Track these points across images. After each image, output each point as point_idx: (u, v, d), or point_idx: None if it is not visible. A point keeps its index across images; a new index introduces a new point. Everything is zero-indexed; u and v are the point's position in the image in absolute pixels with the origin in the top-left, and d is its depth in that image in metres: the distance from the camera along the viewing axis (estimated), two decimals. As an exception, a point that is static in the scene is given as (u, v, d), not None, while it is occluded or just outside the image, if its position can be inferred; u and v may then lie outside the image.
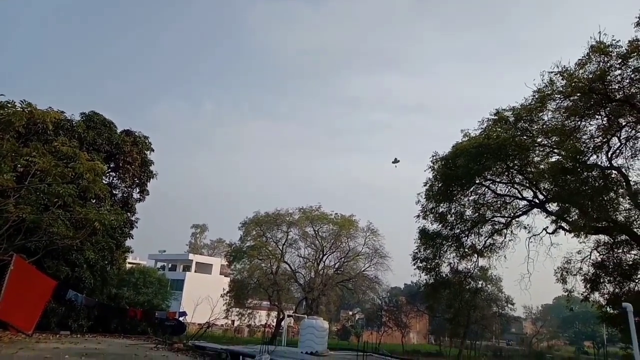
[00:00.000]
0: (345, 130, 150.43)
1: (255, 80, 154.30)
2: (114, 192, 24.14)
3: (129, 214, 24.21)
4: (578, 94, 15.82)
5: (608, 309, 19.34)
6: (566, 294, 20.37)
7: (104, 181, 20.89)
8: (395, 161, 26.33)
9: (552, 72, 16.37)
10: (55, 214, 17.46)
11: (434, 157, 22.03)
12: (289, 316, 31.93)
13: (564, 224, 19.74)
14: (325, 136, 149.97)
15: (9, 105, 14.47)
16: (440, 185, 21.53)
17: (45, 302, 16.68)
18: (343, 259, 37.29)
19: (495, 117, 19.32)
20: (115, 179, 24.47)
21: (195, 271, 62.01)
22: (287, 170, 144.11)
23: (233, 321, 44.32)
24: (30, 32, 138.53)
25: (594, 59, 15.34)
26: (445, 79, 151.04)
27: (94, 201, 20.90)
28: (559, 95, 16.60)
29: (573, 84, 15.67)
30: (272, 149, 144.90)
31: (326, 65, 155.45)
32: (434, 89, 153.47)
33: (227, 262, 44.41)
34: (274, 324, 38.98)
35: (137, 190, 25.32)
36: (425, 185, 22.25)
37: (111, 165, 23.77)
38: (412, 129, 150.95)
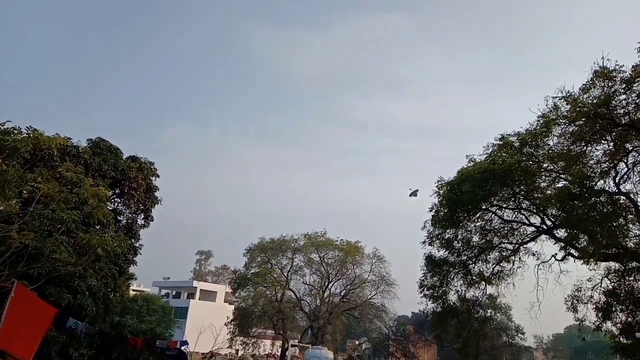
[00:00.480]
0: (351, 152, 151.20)
1: (261, 104, 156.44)
2: (119, 218, 24.07)
3: (132, 240, 24.06)
4: (583, 119, 15.78)
5: (621, 338, 18.77)
6: (577, 323, 19.91)
7: (108, 207, 20.84)
8: (414, 193, 24.01)
9: (556, 97, 16.43)
10: (59, 240, 17.36)
11: (439, 183, 21.94)
12: (293, 346, 31.32)
13: (573, 251, 19.40)
14: (331, 159, 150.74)
15: (15, 131, 14.58)
16: (446, 210, 21.35)
17: (45, 330, 16.36)
18: (349, 286, 36.87)
19: (501, 142, 19.29)
20: (120, 205, 24.45)
21: (199, 298, 61.35)
22: (292, 195, 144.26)
23: (237, 350, 43.52)
24: (35, 55, 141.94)
25: (598, 84, 15.37)
26: (450, 103, 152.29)
27: (97, 227, 20.81)
28: (563, 120, 16.57)
29: (578, 109, 15.66)
30: (278, 172, 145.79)
31: (331, 89, 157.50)
32: (438, 112, 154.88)
33: (231, 290, 43.98)
34: (279, 353, 38.22)
35: (142, 216, 25.23)
36: (431, 211, 22.10)
37: (116, 192, 23.79)
38: (417, 152, 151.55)
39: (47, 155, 18.29)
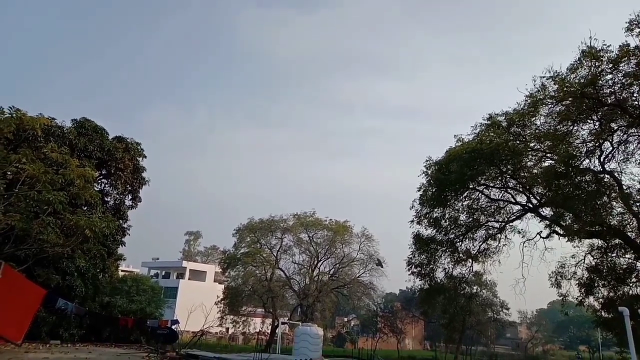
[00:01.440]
0: (338, 134, 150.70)
1: (247, 86, 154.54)
2: (106, 199, 23.91)
3: (121, 221, 23.96)
4: (570, 99, 15.89)
5: (603, 313, 19.33)
6: (561, 298, 20.41)
7: (95, 188, 20.66)
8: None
9: (544, 77, 16.51)
10: (45, 221, 17.20)
11: (428, 163, 22.10)
12: (283, 323, 31.64)
13: (557, 229, 19.77)
14: (318, 141, 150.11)
15: (-3, 111, 14.28)
16: (434, 190, 21.55)
17: (34, 311, 16.38)
18: (338, 265, 37.14)
19: (488, 122, 19.38)
20: (107, 186, 24.25)
21: (189, 278, 61.53)
22: (280, 176, 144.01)
23: (227, 329, 43.92)
24: (15, 36, 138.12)
25: (585, 64, 15.44)
26: (437, 83, 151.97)
27: (85, 208, 20.65)
28: (551, 100, 16.68)
29: (565, 88, 15.75)
30: (265, 155, 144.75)
31: (318, 71, 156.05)
32: (426, 93, 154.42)
33: (221, 269, 44.08)
34: (269, 331, 38.69)
35: (129, 197, 25.09)
36: (419, 191, 22.30)
37: (103, 172, 23.56)
38: (405, 133, 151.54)
39: (31, 135, 17.99)
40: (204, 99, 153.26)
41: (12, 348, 15.84)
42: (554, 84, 16.29)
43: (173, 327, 20.84)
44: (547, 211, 20.34)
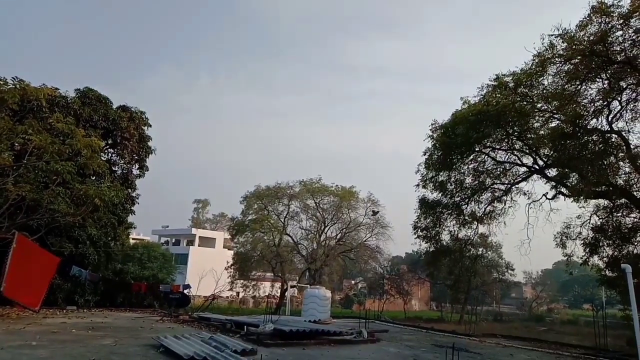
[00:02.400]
0: (344, 98, 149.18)
1: (250, 49, 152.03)
2: (113, 168, 24.07)
3: (129, 190, 24.20)
4: (579, 57, 15.51)
5: (607, 272, 19.50)
6: (565, 258, 20.51)
7: (102, 158, 20.80)
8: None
9: (552, 35, 16.06)
10: (55, 191, 17.46)
11: (433, 126, 21.89)
12: (292, 287, 32.30)
13: (563, 189, 19.72)
14: (324, 106, 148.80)
15: (1, 82, 14.24)
16: (439, 154, 21.45)
17: (49, 278, 16.86)
18: (344, 230, 37.49)
19: (495, 83, 19.04)
20: (113, 155, 24.35)
21: (198, 245, 62.60)
22: (286, 141, 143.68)
23: (238, 293, 44.97)
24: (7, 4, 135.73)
25: (595, 20, 14.99)
26: (444, 44, 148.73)
27: (93, 178, 20.86)
28: (559, 59, 16.30)
29: (574, 46, 15.37)
30: (270, 120, 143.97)
31: (322, 32, 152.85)
32: (432, 53, 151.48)
33: (230, 236, 44.72)
34: (278, 294, 39.56)
35: (137, 166, 25.22)
36: (424, 154, 22.20)
37: (109, 142, 23.62)
38: (410, 96, 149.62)
39: (35, 106, 18.01)
40: (206, 61, 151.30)
41: (30, 314, 16.37)
42: (563, 42, 15.88)
43: (185, 291, 21.35)
44: (553, 172, 20.24)
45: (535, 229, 20.06)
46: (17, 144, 16.44)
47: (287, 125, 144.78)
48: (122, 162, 24.42)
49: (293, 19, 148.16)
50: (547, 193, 20.36)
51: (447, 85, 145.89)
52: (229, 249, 55.90)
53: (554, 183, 20.18)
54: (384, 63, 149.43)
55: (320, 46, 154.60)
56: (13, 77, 14.81)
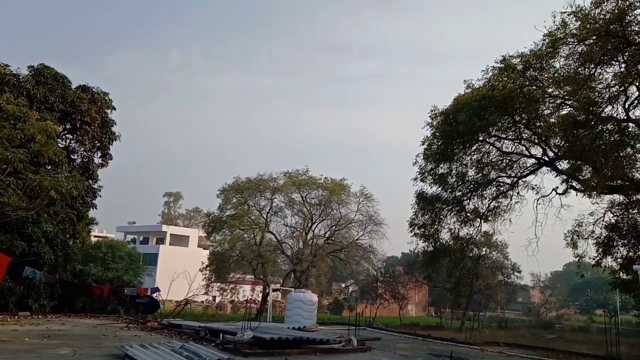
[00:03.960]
0: (334, 80, 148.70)
1: (226, 23, 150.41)
2: (72, 157, 23.82)
3: (90, 181, 24.00)
4: (593, 38, 15.69)
5: (621, 274, 19.84)
6: (577, 259, 20.83)
7: (59, 144, 20.56)
8: None
9: (565, 13, 16.26)
10: (5, 182, 17.24)
11: (433, 112, 22.01)
12: (275, 290, 32.41)
13: (575, 184, 20.01)
14: (312, 88, 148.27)
15: (-59, 57, 13.97)
16: (439, 143, 21.59)
17: (-1, 280, 16.69)
18: (334, 227, 37.64)
19: (501, 65, 19.18)
20: (72, 142, 24.10)
21: (170, 244, 62.48)
22: (269, 127, 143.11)
23: (214, 297, 44.97)
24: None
25: (612, -4, 15.13)
26: (445, 20, 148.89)
27: (49, 167, 20.60)
28: (572, 39, 16.48)
29: (588, 25, 15.54)
30: (250, 104, 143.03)
31: (310, 4, 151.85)
32: (432, 31, 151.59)
33: (205, 234, 44.67)
34: (260, 299, 39.65)
35: (99, 154, 25.00)
36: (423, 144, 22.35)
37: (67, 127, 23.36)
38: (407, 78, 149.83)
39: (-18, 85, 17.70)
40: (176, 37, 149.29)
41: (-23, 320, 16.22)
42: (576, 20, 16.05)
43: (154, 295, 21.33)
44: (564, 165, 20.52)
45: (544, 227, 20.38)
46: (-40, 128, 16.18)
47: (271, 110, 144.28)
48: (82, 149, 24.18)
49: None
50: (557, 187, 20.69)
51: (448, 66, 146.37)
52: (204, 248, 55.85)
53: (564, 176, 20.47)
54: (377, 39, 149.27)
55: (307, 21, 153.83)
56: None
